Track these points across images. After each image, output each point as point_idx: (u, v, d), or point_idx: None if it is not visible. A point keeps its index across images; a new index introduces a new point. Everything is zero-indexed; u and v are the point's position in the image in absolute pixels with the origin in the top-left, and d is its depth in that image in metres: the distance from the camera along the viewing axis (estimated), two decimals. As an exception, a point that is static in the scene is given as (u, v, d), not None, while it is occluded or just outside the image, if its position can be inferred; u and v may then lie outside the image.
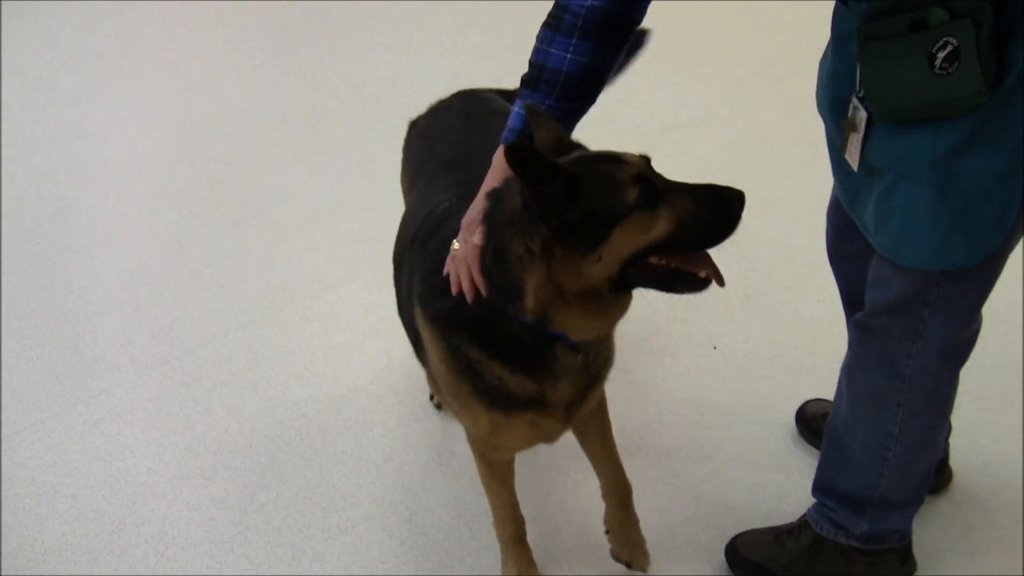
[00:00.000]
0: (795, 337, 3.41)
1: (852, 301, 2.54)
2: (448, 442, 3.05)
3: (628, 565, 2.61)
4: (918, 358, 2.13)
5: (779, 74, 5.29)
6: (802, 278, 3.60)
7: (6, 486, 2.97)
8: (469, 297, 1.95)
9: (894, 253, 1.98)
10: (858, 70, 1.86)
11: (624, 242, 1.81)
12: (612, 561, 2.61)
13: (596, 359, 2.12)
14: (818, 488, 2.54)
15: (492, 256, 1.90)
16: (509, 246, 1.86)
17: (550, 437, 2.28)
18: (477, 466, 2.44)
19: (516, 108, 2.03)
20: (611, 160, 1.85)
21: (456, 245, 1.98)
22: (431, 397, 3.18)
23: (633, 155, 1.88)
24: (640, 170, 1.82)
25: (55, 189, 4.57)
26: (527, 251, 1.83)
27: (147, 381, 3.36)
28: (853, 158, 1.95)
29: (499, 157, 2.00)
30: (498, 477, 2.45)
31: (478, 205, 1.96)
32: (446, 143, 2.65)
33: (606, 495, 2.60)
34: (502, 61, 5.67)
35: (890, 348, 2.16)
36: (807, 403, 3.04)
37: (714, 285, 1.91)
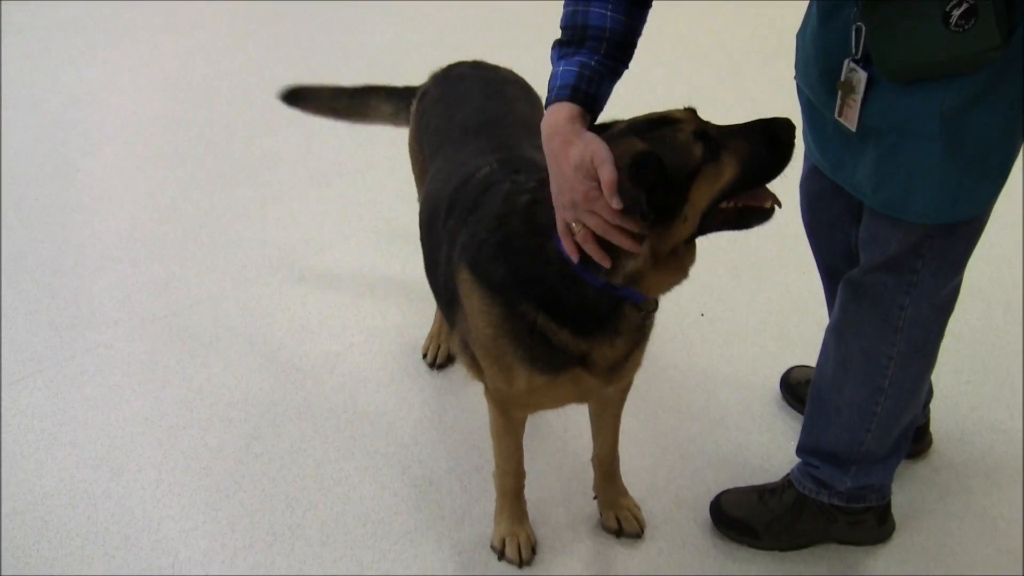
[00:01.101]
0: (780, 306, 3.49)
1: (829, 270, 2.61)
2: (440, 398, 3.11)
3: (618, 533, 2.68)
4: (911, 309, 2.20)
5: (769, 53, 5.36)
6: (788, 251, 3.66)
7: (5, 433, 3.01)
8: (607, 264, 1.93)
9: (898, 210, 2.04)
10: (854, 35, 1.91)
11: (701, 196, 1.87)
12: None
13: (651, 316, 2.19)
14: (803, 448, 2.60)
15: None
16: None
17: (585, 397, 2.34)
18: (492, 418, 2.47)
19: (563, 66, 1.99)
20: (666, 123, 1.90)
21: (576, 227, 1.92)
22: (424, 355, 3.24)
23: (681, 111, 1.94)
24: (696, 126, 1.88)
25: (53, 149, 4.60)
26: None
27: (144, 335, 3.40)
28: (851, 120, 1.99)
29: (551, 121, 1.97)
30: (512, 431, 2.49)
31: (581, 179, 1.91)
32: (468, 109, 2.66)
33: (595, 462, 2.68)
34: (495, 33, 5.73)
35: (883, 302, 2.23)
36: (791, 369, 3.10)
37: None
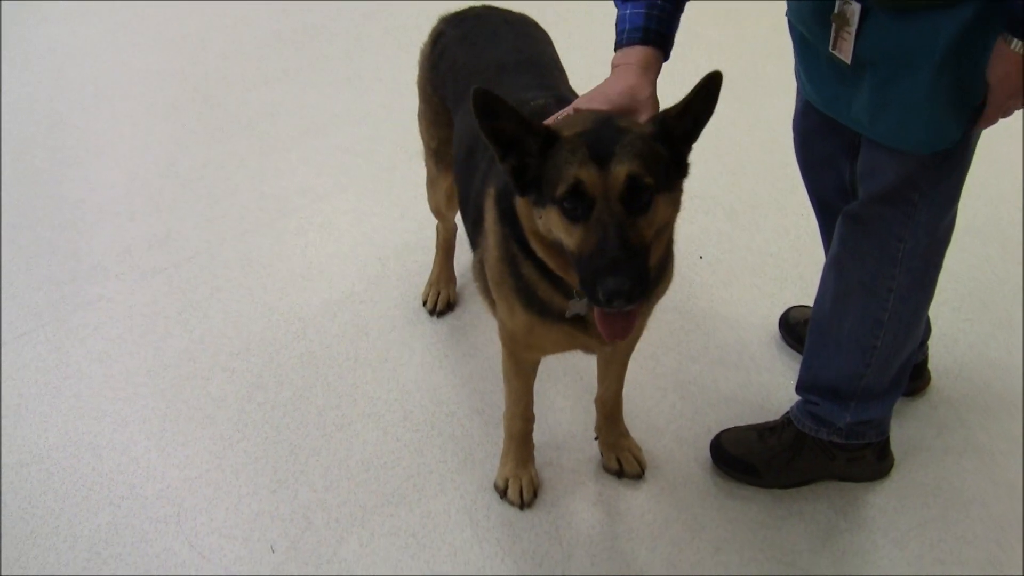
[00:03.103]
0: (778, 248, 3.49)
1: (824, 206, 2.62)
2: (440, 345, 3.13)
3: (619, 474, 2.70)
4: (910, 241, 2.21)
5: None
6: (786, 192, 3.67)
7: (8, 386, 3.03)
8: None
9: (895, 141, 2.05)
10: None
11: (549, 222, 1.85)
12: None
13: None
14: (802, 386, 2.62)
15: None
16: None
17: (588, 349, 2.30)
18: (504, 359, 2.49)
19: (631, 8, 2.00)
20: (591, 152, 1.79)
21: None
22: (424, 302, 3.25)
23: (620, 168, 1.79)
24: (586, 180, 1.78)
25: (50, 104, 4.59)
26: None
27: (145, 288, 3.41)
28: (845, 52, 1.99)
29: (624, 63, 2.00)
30: (522, 374, 2.50)
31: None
32: (503, 48, 2.63)
33: (598, 404, 2.70)
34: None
35: (882, 234, 2.24)
36: (790, 309, 3.12)
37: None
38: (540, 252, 1.95)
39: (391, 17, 5.16)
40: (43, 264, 3.54)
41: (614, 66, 2.03)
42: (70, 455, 2.82)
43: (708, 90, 1.82)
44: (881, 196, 2.19)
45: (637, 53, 1.98)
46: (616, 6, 2.04)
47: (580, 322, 2.11)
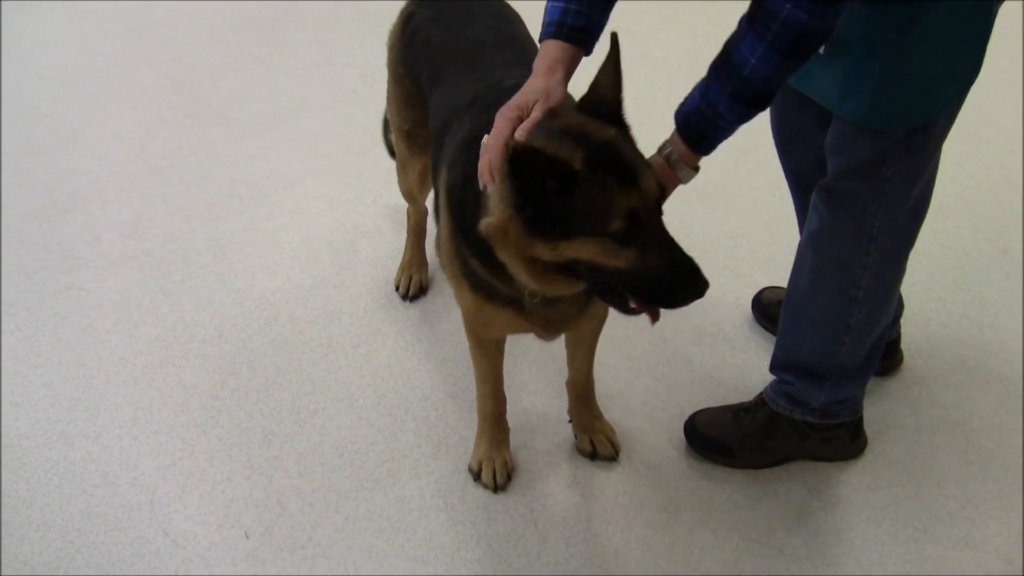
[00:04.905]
0: (751, 229, 3.50)
1: (799, 179, 2.62)
2: (413, 329, 3.12)
3: (593, 456, 2.70)
4: (883, 217, 2.22)
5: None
6: (758, 173, 3.68)
7: (-23, 376, 3.01)
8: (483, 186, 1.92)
9: (865, 119, 2.06)
10: None
11: (579, 251, 1.81)
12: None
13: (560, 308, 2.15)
14: (776, 364, 2.63)
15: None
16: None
17: (540, 336, 2.30)
18: (468, 338, 2.49)
19: (550, 3, 2.00)
20: (622, 175, 1.79)
21: (486, 139, 1.94)
22: (396, 287, 3.24)
23: (649, 178, 1.82)
24: (637, 205, 1.78)
25: (17, 93, 4.54)
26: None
27: (116, 275, 3.38)
28: None
29: (540, 56, 1.99)
30: (487, 356, 2.50)
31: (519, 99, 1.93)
32: (479, 27, 2.59)
33: (569, 387, 2.71)
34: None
35: (856, 210, 2.24)
36: (763, 290, 3.12)
37: None
38: (523, 272, 1.91)
39: (361, 2, 5.14)
40: (12, 253, 3.50)
41: (533, 67, 2.02)
42: (42, 444, 2.80)
43: (615, 56, 1.87)
44: (852, 171, 2.19)
45: (549, 49, 1.98)
46: None
47: (522, 308, 2.11)
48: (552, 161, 1.72)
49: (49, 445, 2.79)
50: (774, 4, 1.72)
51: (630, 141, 1.87)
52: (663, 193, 1.84)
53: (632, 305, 1.91)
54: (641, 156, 1.85)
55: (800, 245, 2.49)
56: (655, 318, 1.93)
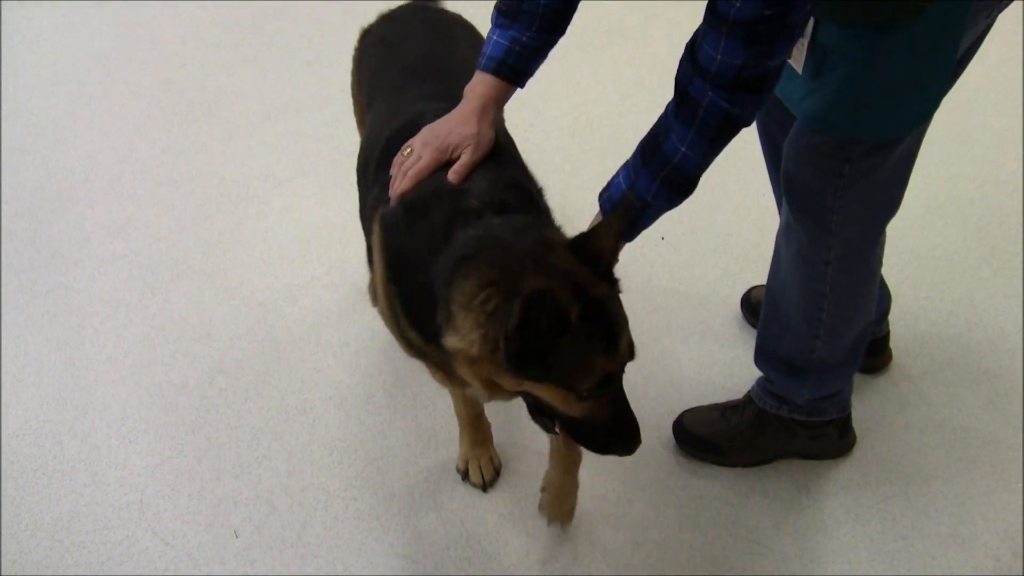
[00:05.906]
0: (740, 228, 3.50)
1: (775, 152, 2.59)
2: (403, 328, 3.11)
3: (549, 521, 2.55)
4: (841, 213, 2.17)
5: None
6: (747, 172, 3.66)
7: (-35, 376, 3.01)
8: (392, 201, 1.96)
9: (819, 123, 2.04)
10: None
11: (542, 393, 1.81)
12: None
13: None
14: (759, 355, 2.63)
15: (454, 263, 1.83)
16: (470, 291, 1.79)
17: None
18: None
19: (495, 36, 2.04)
20: (607, 337, 1.78)
21: (408, 150, 1.98)
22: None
23: (627, 342, 1.82)
24: (612, 369, 1.80)
25: (6, 93, 4.52)
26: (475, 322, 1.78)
27: (104, 275, 3.38)
28: (798, 61, 1.99)
29: (472, 86, 2.04)
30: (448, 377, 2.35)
31: (455, 131, 1.97)
32: (413, 52, 2.58)
33: (553, 457, 2.47)
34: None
35: (813, 205, 2.21)
36: (752, 288, 3.13)
37: None
38: (474, 380, 1.87)
39: (351, 1, 5.12)
40: (1, 252, 3.50)
41: (465, 92, 2.06)
42: (31, 443, 2.80)
43: (624, 219, 1.92)
44: (808, 162, 2.15)
45: (484, 84, 2.03)
46: (491, 22, 2.09)
47: (447, 364, 1.96)
48: (560, 310, 1.70)
49: (38, 444, 2.79)
50: (697, 92, 1.78)
51: (618, 301, 1.85)
52: (633, 356, 1.85)
53: (556, 431, 1.95)
54: (624, 317, 1.83)
55: (777, 235, 2.47)
56: (568, 444, 2.00)
